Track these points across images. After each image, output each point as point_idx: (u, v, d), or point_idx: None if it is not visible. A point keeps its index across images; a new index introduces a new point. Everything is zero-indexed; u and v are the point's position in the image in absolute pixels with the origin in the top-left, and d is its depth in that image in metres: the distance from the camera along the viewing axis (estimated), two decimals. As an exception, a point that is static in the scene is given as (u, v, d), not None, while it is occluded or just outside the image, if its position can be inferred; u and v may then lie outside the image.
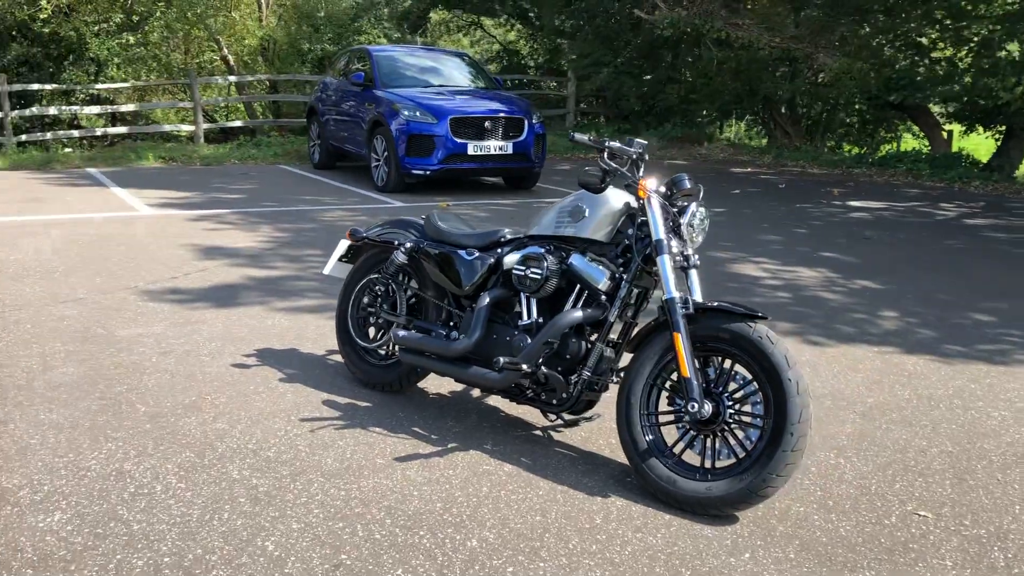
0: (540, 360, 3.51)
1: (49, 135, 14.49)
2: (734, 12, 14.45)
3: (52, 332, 4.90)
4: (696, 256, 3.48)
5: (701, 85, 17.14)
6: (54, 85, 14.50)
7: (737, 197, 11.67)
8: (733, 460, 3.24)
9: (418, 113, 10.63)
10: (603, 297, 3.51)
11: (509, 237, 3.89)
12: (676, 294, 3.27)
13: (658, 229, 3.37)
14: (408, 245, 4.09)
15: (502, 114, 10.83)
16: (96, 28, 15.23)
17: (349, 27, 19.05)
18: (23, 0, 14.19)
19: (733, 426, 3.25)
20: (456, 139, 10.51)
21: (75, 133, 14.87)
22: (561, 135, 14.91)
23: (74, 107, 14.92)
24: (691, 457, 3.32)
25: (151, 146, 14.67)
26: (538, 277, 3.57)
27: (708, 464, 3.28)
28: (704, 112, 18.41)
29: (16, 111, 14.00)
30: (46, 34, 14.59)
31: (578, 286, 3.58)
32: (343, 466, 3.44)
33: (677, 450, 3.36)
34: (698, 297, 3.40)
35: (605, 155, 3.47)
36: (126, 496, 3.12)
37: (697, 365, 3.30)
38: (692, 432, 3.32)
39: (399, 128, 10.59)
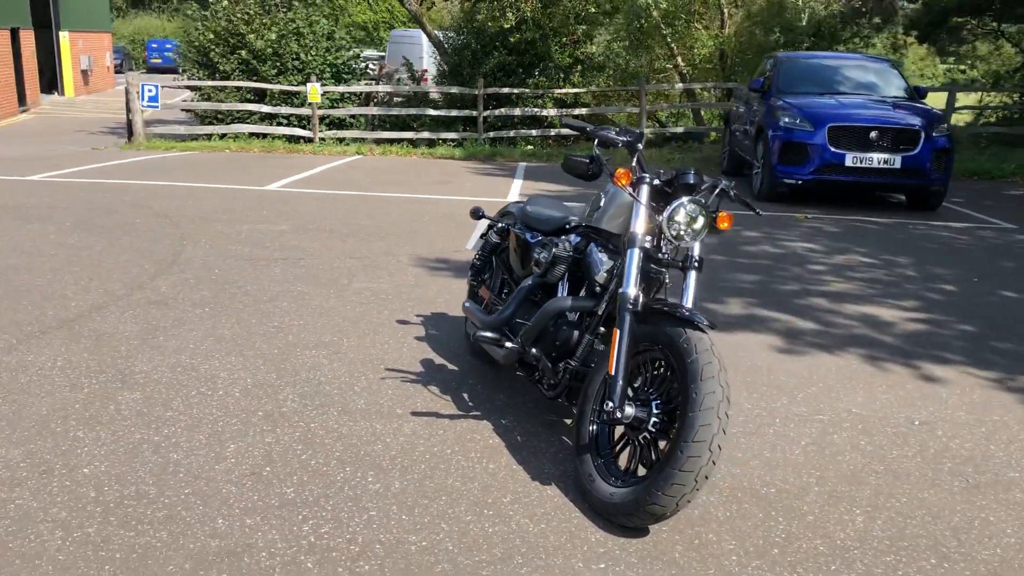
0: (531, 342, 3.56)
1: (512, 132, 16.56)
2: None
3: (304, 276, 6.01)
4: (698, 256, 3.25)
5: None
6: (520, 89, 16.51)
7: None
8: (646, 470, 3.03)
9: (797, 120, 10.22)
10: (598, 288, 3.45)
11: (574, 223, 3.93)
12: (631, 291, 3.13)
13: (635, 220, 3.23)
14: (499, 226, 4.33)
15: (892, 124, 9.92)
16: (561, 39, 16.92)
17: (830, 34, 18.60)
18: (497, 13, 16.39)
19: (656, 435, 3.02)
20: (833, 149, 9.90)
21: (533, 132, 16.78)
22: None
23: (535, 109, 16.82)
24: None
25: (591, 148, 15.97)
26: (544, 261, 3.63)
27: (633, 470, 3.09)
28: None
29: (488, 111, 16.30)
30: (519, 44, 16.66)
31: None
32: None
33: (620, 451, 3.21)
34: (690, 300, 3.20)
35: (596, 142, 3.40)
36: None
37: (639, 367, 3.14)
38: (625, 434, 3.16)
39: (775, 134, 10.30)
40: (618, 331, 3.08)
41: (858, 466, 3.54)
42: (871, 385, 4.45)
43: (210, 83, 16.50)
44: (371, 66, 25.08)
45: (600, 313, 3.37)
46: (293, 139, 16.01)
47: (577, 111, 17.02)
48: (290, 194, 9.87)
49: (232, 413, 3.72)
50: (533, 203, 4.22)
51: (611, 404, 2.98)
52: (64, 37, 30.04)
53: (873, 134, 9.83)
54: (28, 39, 25.64)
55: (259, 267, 6.21)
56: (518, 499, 3.13)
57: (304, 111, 15.95)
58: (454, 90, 16.61)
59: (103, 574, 2.56)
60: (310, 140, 15.91)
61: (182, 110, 17.35)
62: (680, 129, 17.42)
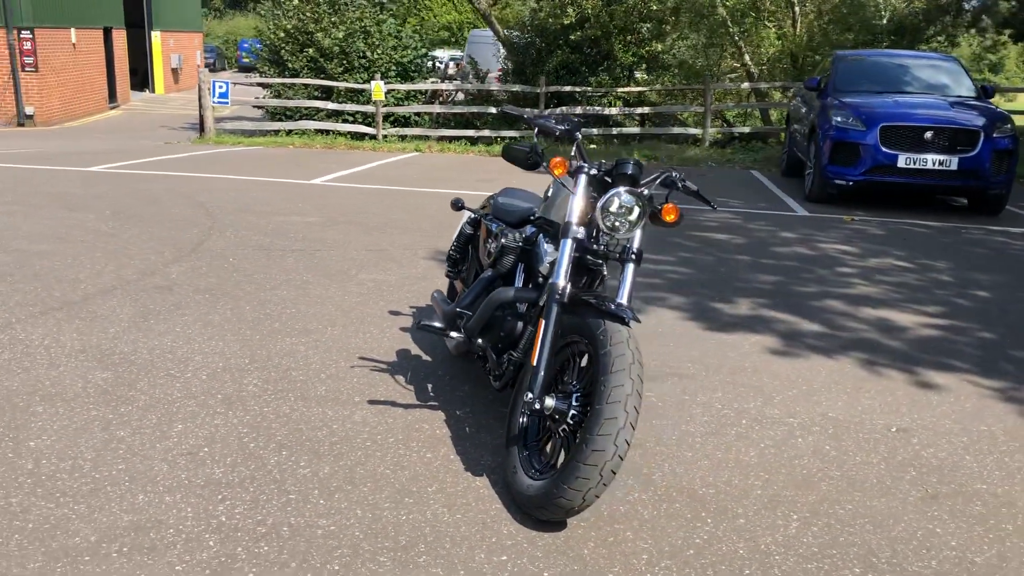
0: (477, 333, 3.53)
1: (573, 131, 16.49)
2: None
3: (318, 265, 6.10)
4: (636, 248, 3.18)
5: None
6: (582, 87, 16.43)
7: None
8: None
9: (849, 119, 9.91)
10: (541, 279, 3.41)
11: (537, 215, 3.89)
12: (559, 281, 3.08)
13: (570, 211, 3.18)
14: (471, 216, 4.31)
15: (949, 124, 9.52)
16: (627, 38, 16.76)
17: (912, 32, 17.98)
18: (558, 10, 16.34)
19: (575, 427, 2.97)
20: (885, 149, 9.57)
21: (594, 131, 16.68)
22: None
23: (597, 107, 16.72)
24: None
25: (653, 146, 15.82)
26: (493, 252, 3.60)
27: (552, 463, 3.04)
28: None
29: (549, 109, 16.28)
30: (583, 42, 16.58)
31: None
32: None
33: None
34: (625, 293, 3.13)
35: (536, 131, 3.36)
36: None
37: (569, 359, 3.10)
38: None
39: (826, 133, 10.02)
40: (543, 321, 3.04)
41: (812, 471, 3.41)
42: (859, 390, 4.28)
43: (279, 80, 16.90)
44: (448, 65, 25.36)
45: (542, 304, 3.31)
46: (357, 136, 16.27)
47: (640, 110, 16.84)
48: (334, 188, 10.03)
49: (192, 395, 3.80)
50: (505, 194, 4.18)
51: (530, 395, 2.93)
52: (156, 36, 31.18)
53: (928, 134, 9.46)
54: (120, 38, 26.69)
55: (273, 257, 6.33)
56: (443, 489, 3.11)
57: (368, 108, 16.19)
58: (516, 88, 16.65)
59: (11, 543, 2.64)
60: (373, 137, 16.14)
61: (254, 106, 17.80)
62: (746, 129, 17.07)
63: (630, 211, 3.12)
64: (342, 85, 16.39)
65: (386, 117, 16.44)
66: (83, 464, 3.15)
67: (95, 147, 14.43)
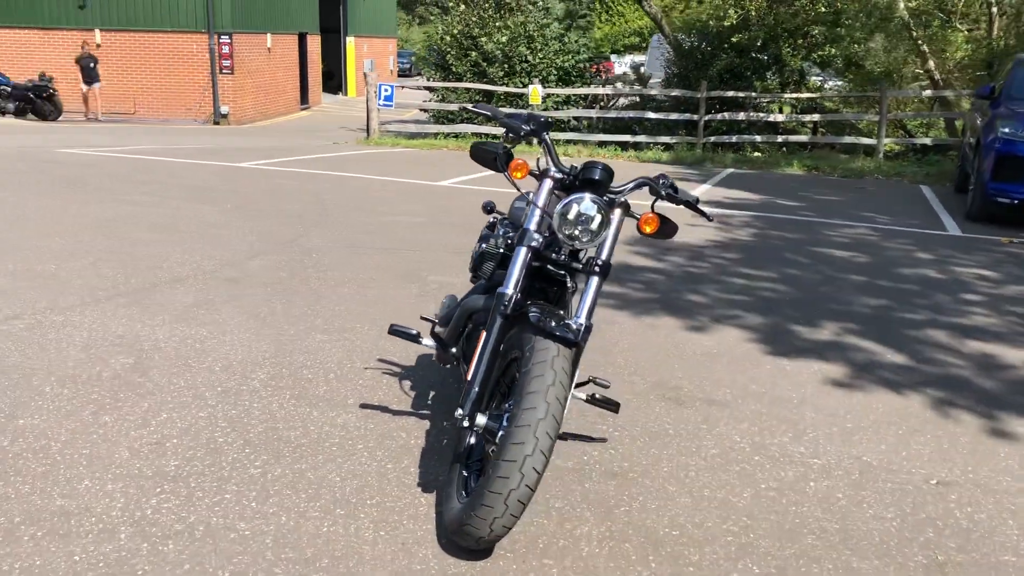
0: (453, 341, 3.37)
1: (735, 138, 15.83)
2: None
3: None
4: (603, 260, 2.93)
5: None
6: (746, 92, 15.73)
7: None
8: None
9: (1019, 131, 8.92)
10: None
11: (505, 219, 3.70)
12: (507, 291, 2.87)
13: (529, 216, 2.97)
14: (490, 219, 4.14)
15: None
16: (797, 41, 15.93)
17: None
18: (721, 13, 15.71)
19: None
20: (1057, 164, 8.55)
21: (757, 138, 15.95)
22: None
23: (760, 114, 15.97)
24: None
25: (821, 156, 14.95)
26: (473, 258, 3.44)
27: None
28: None
29: (710, 115, 15.74)
30: (749, 45, 15.89)
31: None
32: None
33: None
34: (585, 308, 2.89)
35: (505, 131, 3.14)
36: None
37: (515, 374, 2.86)
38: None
39: (990, 146, 9.07)
40: (484, 333, 2.84)
41: (806, 521, 3.01)
42: (913, 433, 3.78)
43: (441, 84, 17.27)
44: (626, 70, 25.05)
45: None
46: (513, 139, 16.32)
47: (809, 117, 15.95)
48: (456, 190, 10.09)
49: (193, 386, 3.85)
50: (521, 199, 3.99)
51: (459, 412, 2.74)
52: (350, 42, 32.76)
53: (1112, 151, 8.35)
54: (315, 43, 28.23)
55: (358, 254, 6.39)
56: (382, 503, 2.98)
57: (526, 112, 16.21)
58: (675, 92, 16.18)
59: (-57, 517, 2.73)
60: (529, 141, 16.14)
61: (420, 110, 18.29)
62: (927, 140, 15.78)
63: (590, 220, 2.86)
64: (501, 89, 16.52)
65: (543, 121, 16.38)
66: (53, 445, 3.23)
67: (265, 144, 15.27)
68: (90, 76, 20.47)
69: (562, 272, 2.99)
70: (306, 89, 27.75)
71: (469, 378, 2.79)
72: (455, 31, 17.40)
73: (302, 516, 2.86)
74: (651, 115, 16.15)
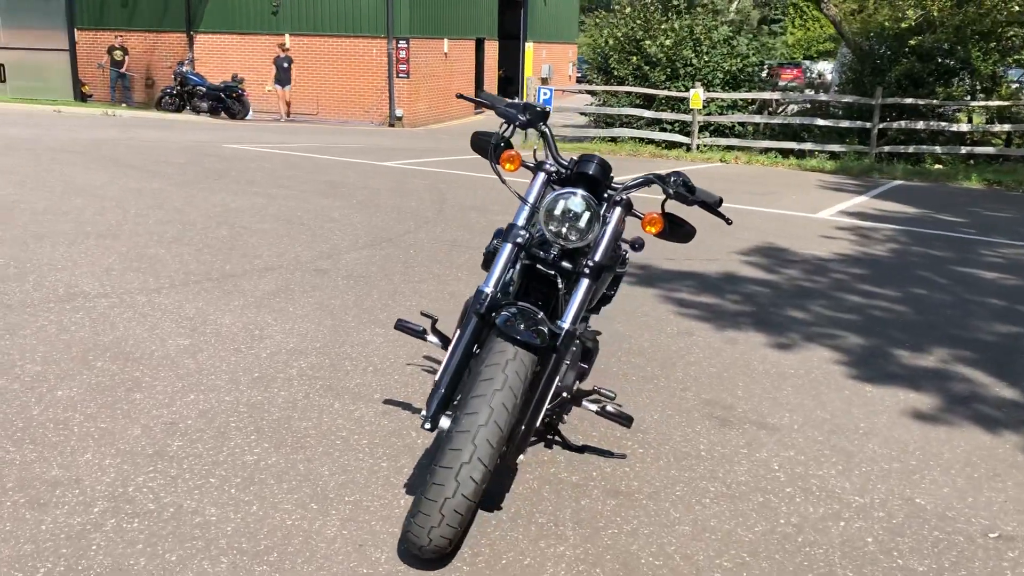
0: None
1: (911, 148, 14.75)
2: None
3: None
4: (595, 261, 2.73)
5: None
6: (927, 100, 14.58)
7: None
8: None
9: None
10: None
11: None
12: (486, 289, 2.72)
13: (519, 212, 2.80)
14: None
15: None
16: (989, 45, 14.64)
17: None
18: (900, 14, 14.62)
19: None
20: None
21: (937, 148, 14.78)
22: None
23: (943, 123, 14.77)
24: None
25: (1006, 169, 13.68)
26: (484, 253, 3.28)
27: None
28: None
29: (883, 123, 14.74)
30: (931, 49, 14.75)
31: None
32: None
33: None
34: (571, 313, 2.71)
35: (504, 122, 2.96)
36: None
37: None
38: None
39: None
40: (457, 332, 2.70)
41: (815, 565, 2.68)
42: (992, 478, 3.31)
43: (603, 88, 17.10)
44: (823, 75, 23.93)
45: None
46: (672, 145, 15.94)
47: (1000, 127, 14.63)
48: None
49: (233, 370, 3.91)
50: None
51: (423, 413, 2.61)
52: (529, 47, 33.11)
53: None
54: (492, 48, 28.74)
55: (454, 252, 6.37)
56: (359, 502, 2.89)
57: (686, 117, 15.79)
58: (848, 99, 15.25)
59: (-53, 474, 2.88)
60: (686, 147, 15.71)
61: (580, 113, 18.20)
62: None
63: (578, 216, 2.66)
64: (662, 93, 16.14)
65: (705, 126, 15.91)
66: (76, 418, 3.36)
67: (421, 145, 15.64)
68: (283, 77, 21.64)
69: (552, 272, 2.79)
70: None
71: (437, 378, 2.65)
72: (619, 34, 17.17)
73: (274, 507, 2.81)
74: (820, 122, 15.30)
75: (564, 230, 2.69)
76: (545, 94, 16.85)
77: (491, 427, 2.33)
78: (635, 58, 16.86)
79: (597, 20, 18.44)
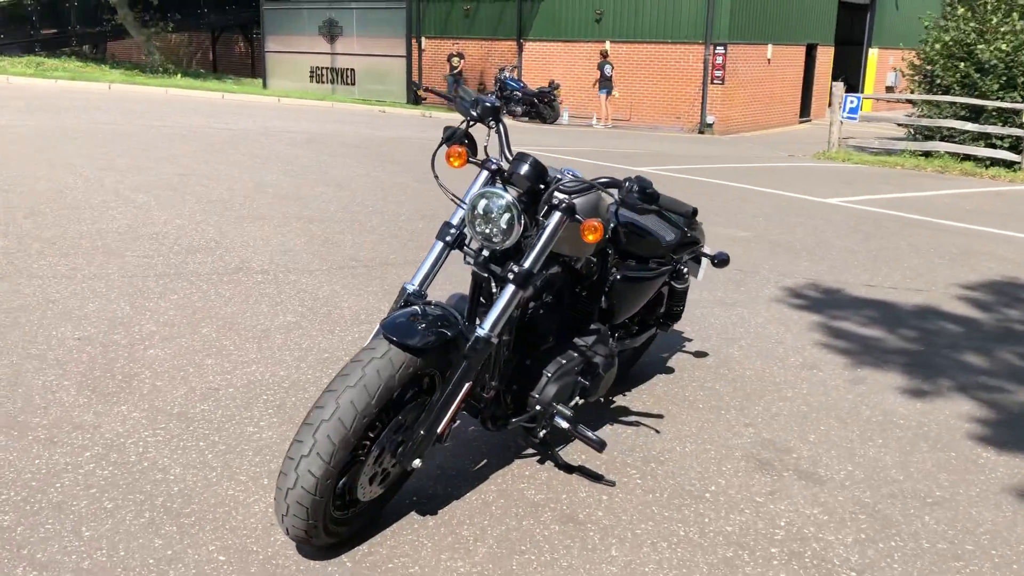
0: None
1: None
2: None
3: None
4: (524, 269, 2.60)
5: None
6: None
7: None
8: None
9: None
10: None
11: None
12: (408, 285, 2.69)
13: (455, 212, 2.72)
14: None
15: None
16: None
17: None
18: None
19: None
20: None
21: None
22: None
23: None
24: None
25: None
26: None
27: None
28: None
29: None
30: None
31: None
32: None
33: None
34: (490, 319, 2.64)
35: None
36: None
37: None
38: None
39: None
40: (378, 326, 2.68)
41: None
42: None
43: (922, 97, 15.55)
44: None
45: None
46: (996, 163, 14.11)
47: None
48: (838, 208, 9.11)
49: (310, 349, 4.14)
50: None
51: None
52: (872, 54, 30.88)
53: None
54: (825, 55, 27.20)
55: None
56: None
57: (1018, 132, 13.87)
58: None
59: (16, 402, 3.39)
60: (1014, 165, 13.82)
61: (897, 124, 16.69)
62: None
63: (499, 217, 2.53)
64: (993, 104, 14.30)
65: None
66: (143, 373, 3.76)
67: (712, 152, 15.29)
68: (604, 83, 22.13)
69: (483, 274, 2.67)
70: (808, 102, 26.87)
71: None
72: (947, 38, 15.49)
73: (230, 478, 2.96)
74: None
75: (488, 230, 2.56)
76: (852, 102, 15.68)
77: (334, 423, 2.29)
78: (963, 64, 15.10)
79: (925, 23, 16.70)
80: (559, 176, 2.71)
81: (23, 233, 5.86)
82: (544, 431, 3.00)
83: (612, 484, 3.06)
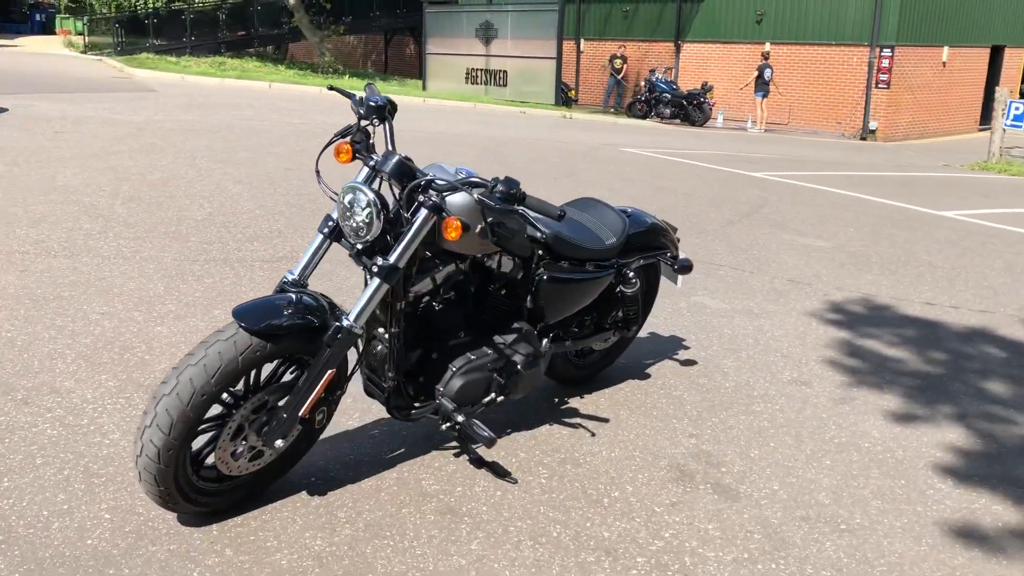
0: None
1: None
2: None
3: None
4: (389, 264, 2.70)
5: None
6: None
7: None
8: None
9: None
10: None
11: None
12: (288, 275, 2.84)
13: (336, 206, 2.84)
14: None
15: None
16: None
17: None
18: None
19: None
20: None
21: None
22: None
23: None
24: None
25: None
26: None
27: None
28: None
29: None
30: None
31: None
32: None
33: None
34: (356, 309, 2.76)
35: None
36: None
37: None
38: None
39: None
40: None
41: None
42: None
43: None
44: None
45: None
46: None
47: None
48: (957, 222, 8.53)
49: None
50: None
51: None
52: (1072, 56, 28.30)
53: None
54: (1014, 58, 25.23)
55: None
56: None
57: None
58: None
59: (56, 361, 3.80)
60: None
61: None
62: None
63: (359, 212, 2.64)
64: None
65: None
66: (139, 347, 4.08)
67: (862, 160, 14.58)
68: (761, 87, 21.48)
69: (360, 266, 2.78)
70: (989, 108, 24.96)
71: None
72: None
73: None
74: None
75: (353, 224, 2.66)
76: (1017, 109, 14.56)
77: (172, 398, 2.45)
78: None
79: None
80: (434, 175, 2.76)
81: (113, 217, 6.42)
82: (448, 423, 3.06)
83: (514, 482, 3.08)
